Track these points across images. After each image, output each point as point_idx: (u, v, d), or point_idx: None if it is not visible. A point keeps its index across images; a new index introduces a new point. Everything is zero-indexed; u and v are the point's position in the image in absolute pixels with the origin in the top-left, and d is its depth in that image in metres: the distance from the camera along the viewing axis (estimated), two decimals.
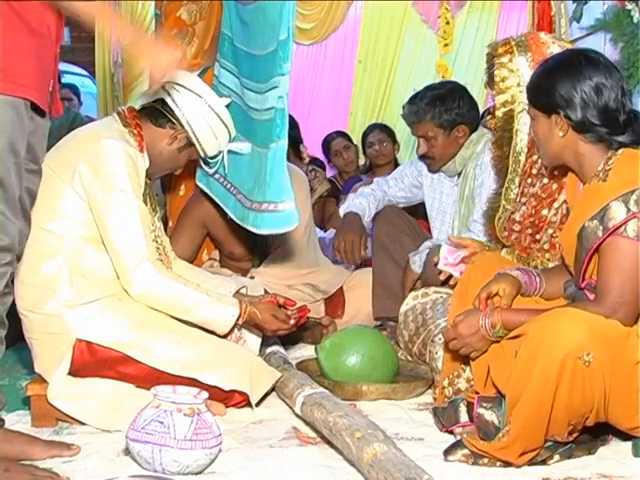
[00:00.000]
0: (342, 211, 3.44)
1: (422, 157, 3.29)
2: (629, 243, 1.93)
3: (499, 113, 2.42)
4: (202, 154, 2.56)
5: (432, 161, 3.26)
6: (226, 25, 3.26)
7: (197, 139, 2.50)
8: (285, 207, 2.55)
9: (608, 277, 1.95)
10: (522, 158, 2.38)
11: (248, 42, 2.96)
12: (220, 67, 3.25)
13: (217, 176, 3.15)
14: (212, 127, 2.51)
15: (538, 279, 2.20)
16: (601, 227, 1.94)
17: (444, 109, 3.14)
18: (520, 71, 2.37)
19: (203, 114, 2.48)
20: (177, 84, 2.48)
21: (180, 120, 2.46)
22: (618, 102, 2.03)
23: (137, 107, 2.52)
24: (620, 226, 1.92)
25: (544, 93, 2.08)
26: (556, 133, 2.07)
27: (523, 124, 2.37)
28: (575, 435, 2.00)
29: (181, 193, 3.62)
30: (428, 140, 3.20)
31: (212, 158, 2.63)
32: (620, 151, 2.03)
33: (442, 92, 3.21)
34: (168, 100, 2.46)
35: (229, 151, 2.68)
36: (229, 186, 3.03)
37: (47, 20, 1.86)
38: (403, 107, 3.29)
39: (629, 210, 1.92)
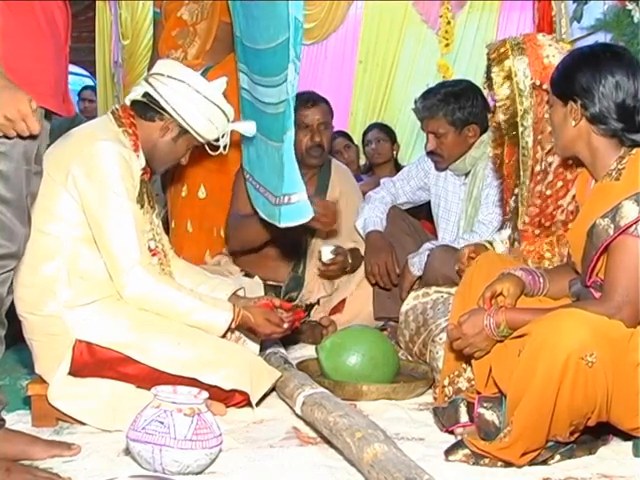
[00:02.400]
0: (360, 225, 3.40)
1: (430, 154, 3.25)
2: (639, 243, 1.93)
3: (501, 116, 2.42)
4: (200, 139, 2.51)
5: (440, 159, 3.22)
6: (236, 27, 3.26)
7: (188, 124, 2.45)
8: (298, 199, 2.51)
9: (615, 276, 1.94)
10: (530, 160, 2.39)
11: (256, 38, 2.94)
12: (240, 72, 3.24)
13: (247, 176, 3.15)
14: (201, 110, 2.45)
15: (542, 279, 2.19)
16: (612, 225, 1.94)
17: (457, 107, 3.11)
18: (518, 76, 2.38)
19: (188, 98, 2.44)
20: (158, 74, 2.47)
21: (166, 109, 2.43)
22: (636, 101, 2.03)
23: (128, 103, 2.49)
24: (631, 225, 1.92)
25: (564, 80, 2.10)
26: (569, 122, 2.08)
27: (528, 126, 2.37)
28: (576, 435, 2.00)
29: (183, 194, 3.59)
30: (438, 137, 3.16)
31: (217, 141, 2.55)
32: (634, 151, 2.02)
33: (456, 90, 3.18)
34: (151, 92, 2.44)
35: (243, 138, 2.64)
36: (257, 186, 3.02)
37: (57, 21, 1.85)
38: (415, 102, 3.24)
39: None
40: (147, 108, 2.45)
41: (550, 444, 1.99)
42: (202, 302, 2.39)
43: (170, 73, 2.46)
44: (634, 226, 1.92)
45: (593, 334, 1.84)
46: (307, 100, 3.46)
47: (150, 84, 2.46)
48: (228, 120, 2.55)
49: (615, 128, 2.02)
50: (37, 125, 1.73)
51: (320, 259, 3.32)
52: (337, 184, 3.58)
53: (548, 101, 2.19)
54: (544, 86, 2.32)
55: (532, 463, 1.98)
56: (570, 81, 2.07)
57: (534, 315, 2.00)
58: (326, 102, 3.56)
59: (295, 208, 2.53)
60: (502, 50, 2.41)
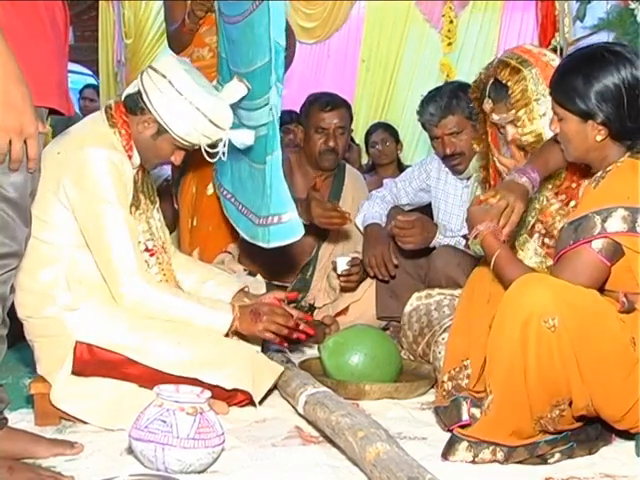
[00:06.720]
0: (359, 221, 3.39)
1: (448, 157, 3.16)
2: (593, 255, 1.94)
3: (528, 124, 2.38)
4: (182, 141, 2.38)
5: (462, 158, 3.14)
6: (221, 47, 3.25)
7: (165, 123, 2.34)
8: (289, 218, 2.54)
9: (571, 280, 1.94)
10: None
11: (237, 62, 2.96)
12: None
13: (228, 195, 3.15)
14: (180, 111, 2.33)
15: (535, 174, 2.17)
16: (599, 226, 1.94)
17: (468, 99, 3.05)
18: (531, 84, 2.36)
19: (168, 96, 2.32)
20: (150, 67, 2.40)
21: (146, 103, 2.35)
22: None
23: (123, 97, 2.43)
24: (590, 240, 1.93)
25: (580, 97, 1.99)
26: (591, 137, 2.01)
27: (543, 126, 2.34)
28: (570, 427, 2.00)
29: (209, 192, 3.55)
30: (457, 135, 3.11)
31: (212, 147, 2.44)
32: (623, 158, 2.01)
33: (457, 85, 3.18)
34: (139, 85, 2.38)
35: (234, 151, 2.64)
36: (240, 207, 3.03)
37: (58, 21, 1.85)
38: (419, 112, 3.18)
39: (603, 228, 1.92)
40: (134, 102, 2.38)
41: (548, 438, 1.98)
42: (201, 305, 2.38)
43: (156, 66, 2.39)
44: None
45: (555, 298, 1.86)
46: (326, 103, 3.46)
47: (141, 78, 2.40)
48: (219, 127, 2.39)
49: (637, 139, 2.00)
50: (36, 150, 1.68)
51: (335, 270, 3.30)
52: (350, 190, 3.59)
53: (554, 109, 2.08)
54: None
55: (532, 461, 1.97)
56: (587, 98, 1.97)
57: (506, 253, 2.06)
58: (347, 106, 3.54)
59: (286, 227, 2.55)
60: (510, 66, 2.37)
